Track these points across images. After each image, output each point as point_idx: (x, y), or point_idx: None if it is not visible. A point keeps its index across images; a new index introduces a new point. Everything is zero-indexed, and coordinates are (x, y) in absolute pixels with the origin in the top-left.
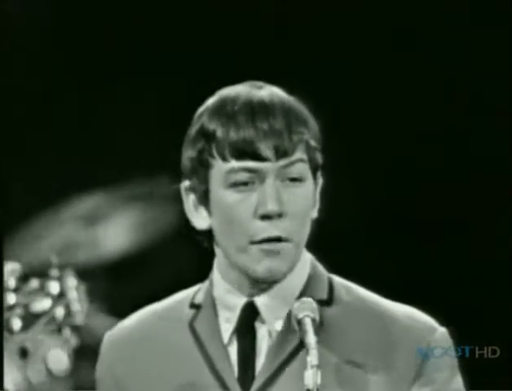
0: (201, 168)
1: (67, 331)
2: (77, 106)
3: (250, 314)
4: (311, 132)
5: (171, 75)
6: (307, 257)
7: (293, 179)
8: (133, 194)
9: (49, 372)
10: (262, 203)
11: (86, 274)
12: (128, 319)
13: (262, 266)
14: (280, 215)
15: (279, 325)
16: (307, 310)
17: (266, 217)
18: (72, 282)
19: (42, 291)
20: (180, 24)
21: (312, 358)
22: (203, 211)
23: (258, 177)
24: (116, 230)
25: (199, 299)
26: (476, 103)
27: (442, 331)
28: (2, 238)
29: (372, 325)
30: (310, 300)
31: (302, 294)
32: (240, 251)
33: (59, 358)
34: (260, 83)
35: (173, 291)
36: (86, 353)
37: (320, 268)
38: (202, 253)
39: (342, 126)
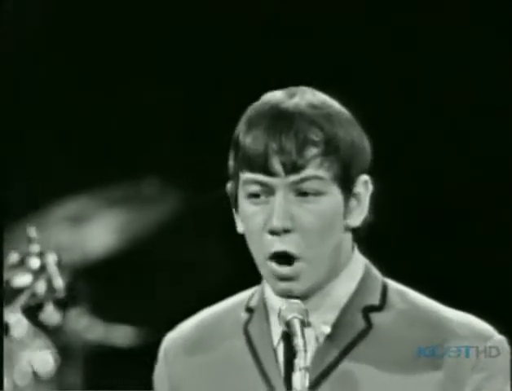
0: (234, 174)
1: (50, 307)
2: (65, 109)
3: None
4: (337, 146)
5: (159, 77)
6: (360, 263)
7: (306, 194)
8: (117, 196)
9: (34, 374)
10: (269, 218)
11: (71, 275)
12: (188, 321)
13: (279, 288)
14: (286, 231)
15: (326, 329)
16: (296, 312)
17: (272, 232)
18: (52, 257)
19: (23, 266)
20: (178, 24)
21: (300, 360)
22: (237, 216)
23: (269, 190)
24: (100, 232)
25: (253, 302)
26: None
27: (498, 338)
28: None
29: (426, 333)
30: (298, 301)
31: (352, 299)
32: (261, 265)
33: (44, 360)
34: (299, 89)
35: (161, 292)
36: (70, 354)
37: (375, 273)
38: (194, 253)
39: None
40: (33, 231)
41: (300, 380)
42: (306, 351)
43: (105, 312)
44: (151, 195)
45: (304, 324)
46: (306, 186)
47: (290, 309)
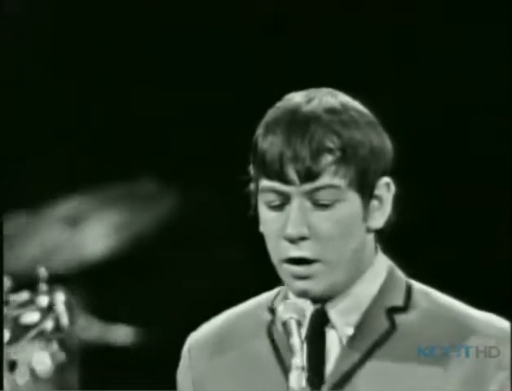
0: (254, 177)
1: (54, 345)
2: (62, 109)
3: (321, 320)
4: (354, 152)
5: (156, 76)
6: (383, 264)
7: (321, 203)
8: (113, 196)
9: (33, 374)
10: (285, 225)
11: (67, 276)
12: (212, 320)
13: (295, 288)
14: (302, 238)
15: (349, 330)
16: (292, 312)
17: (288, 239)
18: (61, 296)
19: (32, 304)
20: (177, 25)
21: (297, 359)
22: (259, 217)
23: (286, 198)
24: (97, 232)
25: (277, 303)
26: None
27: None
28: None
29: (450, 331)
30: (294, 301)
31: (375, 300)
32: (278, 266)
33: (43, 360)
34: (319, 91)
35: (158, 292)
36: (68, 355)
37: (399, 274)
38: (192, 253)
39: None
40: (42, 271)
41: (297, 379)
42: (302, 350)
43: (103, 312)
44: (147, 195)
45: (301, 324)
46: (321, 195)
47: (287, 309)
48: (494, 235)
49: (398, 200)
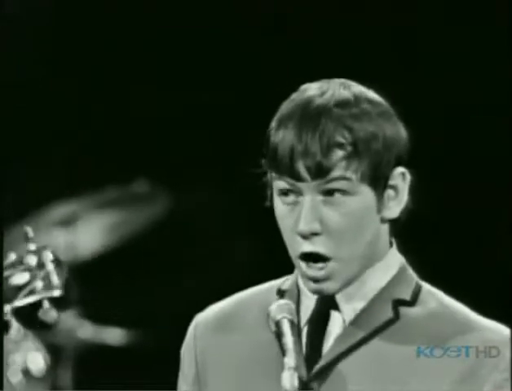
0: (268, 170)
1: (46, 304)
2: (60, 112)
3: (327, 304)
4: (367, 146)
5: (153, 79)
6: (396, 259)
7: (333, 194)
8: (108, 198)
9: (27, 373)
10: (297, 221)
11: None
12: (221, 302)
13: (310, 287)
14: (314, 233)
15: (353, 314)
16: (285, 312)
17: (300, 235)
18: (49, 254)
19: (21, 264)
20: (177, 26)
21: (289, 359)
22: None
23: (298, 193)
24: (92, 233)
25: (286, 286)
26: None
27: None
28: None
29: (453, 333)
30: (287, 301)
31: (383, 291)
32: (294, 260)
33: (36, 359)
34: (332, 82)
35: (152, 292)
36: (62, 354)
37: (410, 272)
38: (187, 253)
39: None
40: (29, 231)
41: (289, 379)
42: (294, 351)
43: (96, 312)
44: (141, 197)
45: (293, 324)
46: (333, 185)
47: (280, 309)
48: (494, 234)
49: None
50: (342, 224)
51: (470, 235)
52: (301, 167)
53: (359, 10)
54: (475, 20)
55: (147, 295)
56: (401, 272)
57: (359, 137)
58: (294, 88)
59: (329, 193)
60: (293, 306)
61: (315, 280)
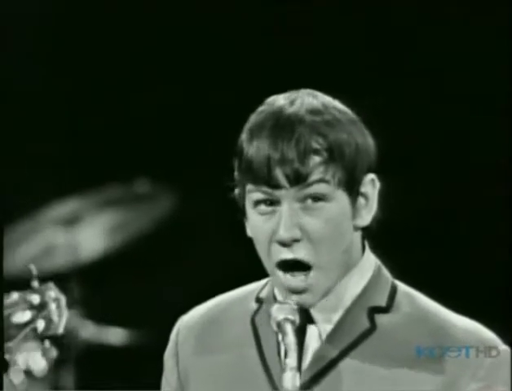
0: (239, 182)
1: (47, 343)
2: (60, 112)
3: (303, 317)
4: (341, 152)
5: (154, 79)
6: (371, 262)
7: (312, 200)
8: (109, 197)
9: (28, 373)
10: (277, 228)
11: (63, 277)
12: (203, 305)
13: (291, 299)
14: (295, 240)
15: (329, 327)
16: (287, 313)
17: (280, 243)
18: (52, 293)
19: (24, 302)
20: (176, 26)
21: (291, 360)
22: (246, 222)
23: (275, 202)
24: (93, 233)
25: (263, 293)
26: None
27: (503, 348)
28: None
29: (430, 338)
30: (289, 302)
31: (358, 299)
32: (271, 272)
33: (38, 359)
34: (300, 93)
35: (153, 292)
36: (63, 354)
37: (385, 274)
38: (188, 254)
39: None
40: (33, 268)
41: (291, 379)
42: (296, 351)
43: (98, 312)
44: (143, 196)
45: (295, 324)
46: (313, 189)
47: (281, 309)
48: (489, 235)
49: (384, 198)
50: (321, 230)
51: (470, 235)
52: (279, 175)
53: (359, 10)
54: (475, 20)
55: (148, 295)
56: (375, 276)
57: (333, 143)
58: (294, 88)
59: (307, 199)
60: (294, 307)
61: (295, 291)
